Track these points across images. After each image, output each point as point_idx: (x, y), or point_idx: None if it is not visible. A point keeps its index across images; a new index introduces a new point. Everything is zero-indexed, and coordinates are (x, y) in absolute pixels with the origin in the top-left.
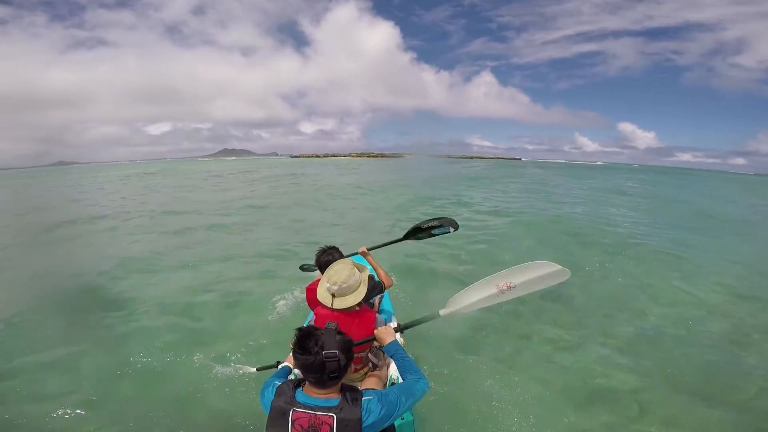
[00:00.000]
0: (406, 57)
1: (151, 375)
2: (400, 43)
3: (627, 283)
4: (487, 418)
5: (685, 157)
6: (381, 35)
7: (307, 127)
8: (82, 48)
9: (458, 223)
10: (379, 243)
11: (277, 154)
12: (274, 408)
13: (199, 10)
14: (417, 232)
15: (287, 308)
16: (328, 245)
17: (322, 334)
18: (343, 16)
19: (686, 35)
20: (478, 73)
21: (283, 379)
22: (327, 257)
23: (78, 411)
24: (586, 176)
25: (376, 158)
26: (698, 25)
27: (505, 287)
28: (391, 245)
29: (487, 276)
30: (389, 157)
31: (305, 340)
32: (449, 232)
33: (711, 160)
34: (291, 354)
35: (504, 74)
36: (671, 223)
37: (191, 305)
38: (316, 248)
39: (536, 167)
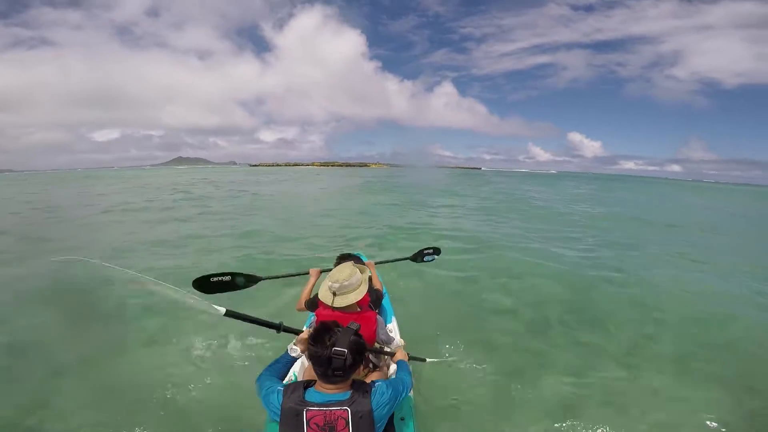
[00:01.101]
0: (371, 66)
1: (136, 368)
2: (366, 52)
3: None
4: (486, 419)
5: (628, 165)
6: (347, 43)
7: (267, 136)
8: (21, 47)
9: (438, 250)
10: (389, 259)
11: (235, 163)
12: (286, 410)
13: (152, 12)
14: (419, 257)
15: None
16: (348, 252)
17: (339, 331)
18: (307, 22)
19: (629, 47)
20: (439, 83)
21: (280, 381)
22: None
23: (59, 405)
24: (550, 184)
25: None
26: (640, 37)
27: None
28: (397, 262)
29: None
30: (354, 166)
31: (322, 334)
32: (436, 258)
33: (651, 168)
34: (299, 339)
35: (464, 85)
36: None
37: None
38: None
39: (500, 176)
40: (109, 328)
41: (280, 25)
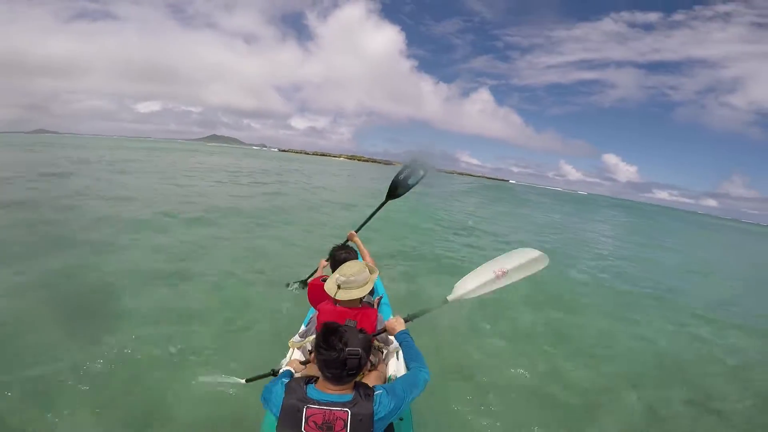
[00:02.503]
0: (408, 64)
1: (128, 381)
2: (404, 50)
3: None
4: (484, 419)
5: (662, 194)
6: (385, 38)
7: (299, 123)
8: (87, 18)
9: (424, 162)
10: (364, 219)
11: (265, 146)
12: (287, 406)
13: None
14: (396, 189)
15: (279, 315)
16: (344, 244)
17: (346, 331)
18: (350, 14)
19: (686, 71)
20: (476, 89)
21: (288, 379)
22: (345, 254)
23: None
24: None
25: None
26: (700, 61)
27: (500, 273)
28: (378, 213)
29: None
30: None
31: (331, 336)
32: (423, 176)
33: (685, 200)
34: (291, 357)
35: (502, 94)
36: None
37: (179, 310)
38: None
39: (534, 194)
40: (109, 330)
41: (324, 15)
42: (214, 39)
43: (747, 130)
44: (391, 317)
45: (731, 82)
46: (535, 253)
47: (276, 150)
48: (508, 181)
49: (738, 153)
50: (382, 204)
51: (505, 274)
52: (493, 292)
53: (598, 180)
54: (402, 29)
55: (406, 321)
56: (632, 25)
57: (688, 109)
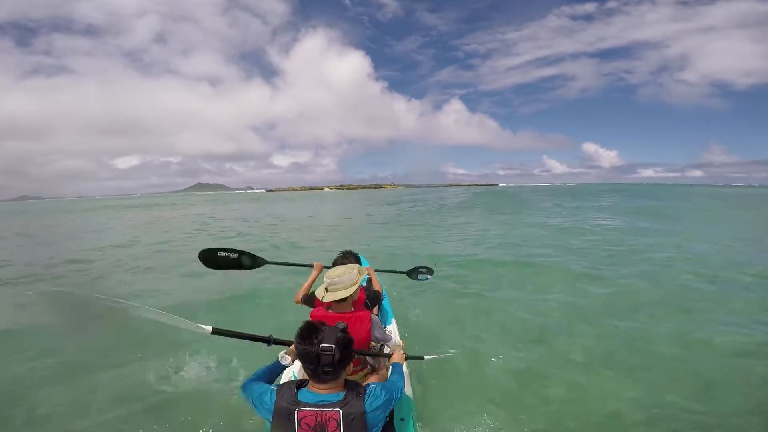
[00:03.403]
0: (378, 86)
1: (143, 383)
2: (371, 73)
3: None
4: (486, 418)
5: (647, 173)
6: (352, 65)
7: (281, 160)
8: (41, 74)
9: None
10: (386, 268)
11: (252, 188)
12: (278, 410)
13: (160, 39)
14: (412, 275)
15: (287, 319)
16: (348, 250)
17: (326, 329)
18: (312, 45)
19: (635, 54)
20: (447, 101)
21: (270, 381)
22: (345, 261)
23: (70, 412)
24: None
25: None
26: (644, 43)
27: None
28: (393, 273)
29: None
30: (369, 188)
31: (309, 332)
32: (428, 278)
33: (671, 174)
34: (290, 350)
35: (472, 101)
36: None
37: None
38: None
39: (528, 193)
40: (102, 339)
41: (286, 49)
42: (177, 84)
43: (708, 101)
44: (400, 349)
45: (678, 59)
46: None
47: (263, 190)
48: (497, 185)
49: (708, 123)
50: (401, 272)
51: None
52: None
53: (583, 169)
54: (366, 53)
55: (406, 358)
56: (573, 17)
57: (647, 89)
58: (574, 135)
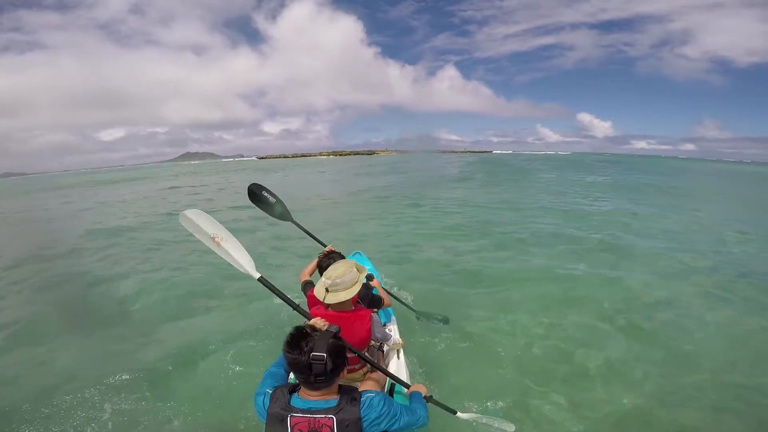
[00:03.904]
0: (370, 52)
1: (154, 378)
2: (364, 38)
3: None
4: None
5: (641, 144)
6: (343, 30)
7: (272, 127)
8: (11, 52)
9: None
10: (392, 292)
11: (243, 156)
12: (271, 416)
13: (136, 9)
14: (425, 316)
15: (286, 314)
16: (330, 250)
17: (317, 336)
18: (300, 11)
19: (637, 27)
20: (442, 67)
21: (275, 382)
22: (328, 261)
23: (84, 414)
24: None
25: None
26: (648, 16)
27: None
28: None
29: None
30: (362, 154)
31: (298, 339)
32: (440, 325)
33: (664, 147)
34: None
35: (467, 68)
36: None
37: (188, 312)
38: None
39: (525, 161)
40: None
41: (273, 15)
42: (160, 55)
43: (707, 77)
44: (420, 385)
45: (681, 34)
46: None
47: (254, 158)
48: (491, 152)
49: (704, 99)
50: (411, 309)
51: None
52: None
53: (576, 139)
54: (358, 18)
55: (425, 398)
56: None
57: (647, 62)
58: (570, 104)
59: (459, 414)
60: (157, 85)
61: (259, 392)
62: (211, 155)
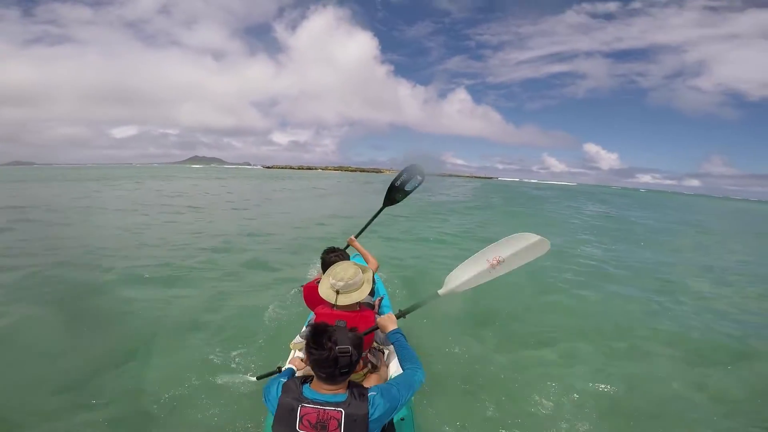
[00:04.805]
0: (383, 69)
1: (145, 383)
2: (378, 55)
3: None
4: (485, 417)
5: (645, 178)
6: (359, 45)
7: (281, 138)
8: (42, 43)
9: (422, 168)
10: (363, 226)
11: (249, 164)
12: (282, 404)
13: (164, 10)
14: (393, 195)
15: (282, 313)
16: (333, 246)
17: (335, 330)
18: (320, 24)
19: (652, 57)
20: (453, 90)
21: (288, 377)
22: (335, 257)
23: (70, 415)
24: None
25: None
26: (663, 47)
27: (495, 261)
28: (378, 218)
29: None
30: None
31: (320, 336)
32: (421, 182)
33: (668, 182)
34: (293, 357)
35: (479, 93)
36: None
37: (186, 315)
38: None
39: (533, 189)
40: (108, 333)
41: (293, 26)
42: (181, 57)
43: (719, 110)
44: (384, 314)
45: (696, 65)
46: (533, 237)
47: (260, 167)
48: (496, 178)
49: (714, 132)
50: (380, 211)
51: (500, 262)
52: (488, 281)
53: (582, 170)
54: (375, 35)
55: (398, 317)
56: (594, 15)
57: (658, 93)
58: (578, 134)
59: (439, 292)
60: (174, 86)
61: (273, 381)
62: (219, 160)
